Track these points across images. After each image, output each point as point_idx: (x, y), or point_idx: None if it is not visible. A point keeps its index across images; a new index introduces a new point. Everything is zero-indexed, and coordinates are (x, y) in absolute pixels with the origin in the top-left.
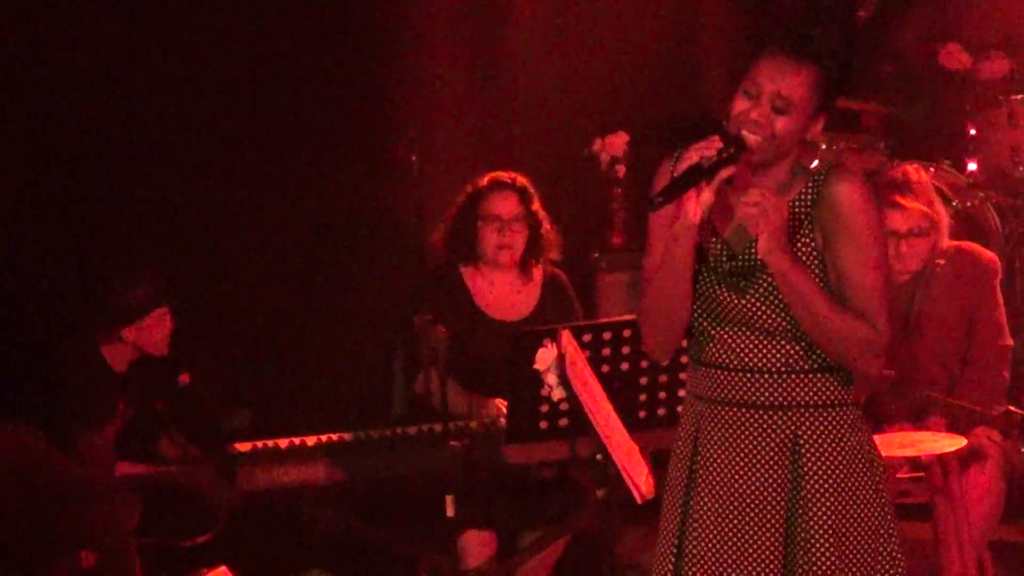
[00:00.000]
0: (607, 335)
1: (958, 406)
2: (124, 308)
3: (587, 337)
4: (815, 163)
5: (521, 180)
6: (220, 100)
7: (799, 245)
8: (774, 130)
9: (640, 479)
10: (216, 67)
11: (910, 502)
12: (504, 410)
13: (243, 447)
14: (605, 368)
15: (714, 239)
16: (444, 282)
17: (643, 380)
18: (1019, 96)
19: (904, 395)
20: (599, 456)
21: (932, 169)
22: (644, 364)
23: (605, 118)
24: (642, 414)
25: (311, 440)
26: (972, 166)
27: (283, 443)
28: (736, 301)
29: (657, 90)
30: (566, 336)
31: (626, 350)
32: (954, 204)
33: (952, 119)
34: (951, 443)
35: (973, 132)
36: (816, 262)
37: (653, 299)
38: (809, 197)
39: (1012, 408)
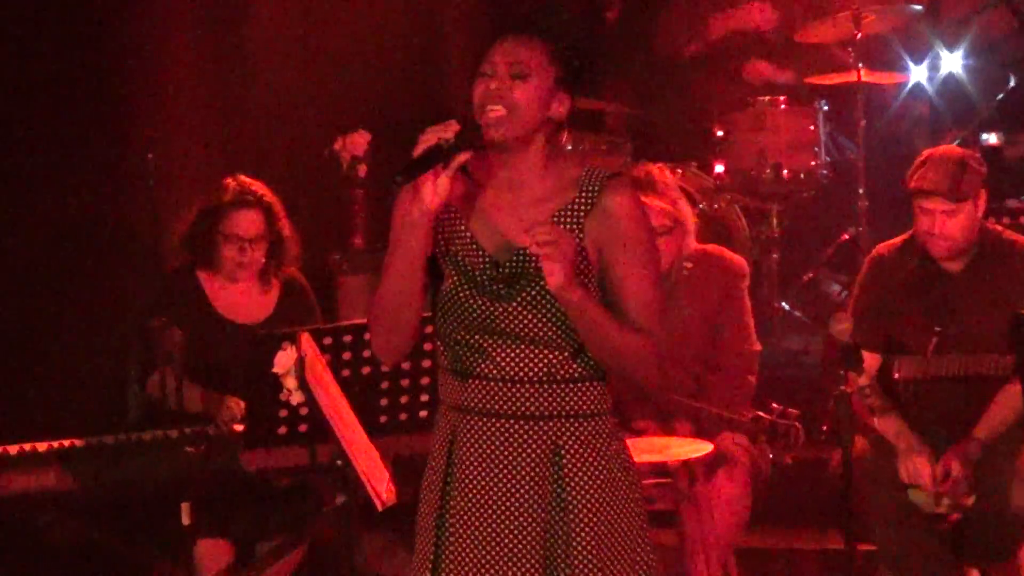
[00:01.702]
0: (347, 338)
1: (705, 411)
2: None
3: (327, 340)
4: (585, 170)
5: (267, 197)
6: None
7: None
8: (514, 98)
9: (381, 486)
10: None
11: (656, 509)
12: (240, 409)
13: None
14: (345, 372)
15: (474, 247)
16: (181, 285)
17: (384, 384)
18: (766, 98)
19: (650, 400)
20: (339, 462)
21: (679, 171)
22: (385, 368)
23: (346, 116)
24: (383, 419)
25: (42, 446)
26: (719, 168)
27: (12, 450)
28: (498, 310)
29: (400, 88)
30: (305, 339)
31: (367, 354)
32: (701, 206)
33: (699, 120)
34: (697, 448)
35: (720, 134)
36: (591, 274)
37: (383, 293)
38: (582, 207)
39: (760, 413)
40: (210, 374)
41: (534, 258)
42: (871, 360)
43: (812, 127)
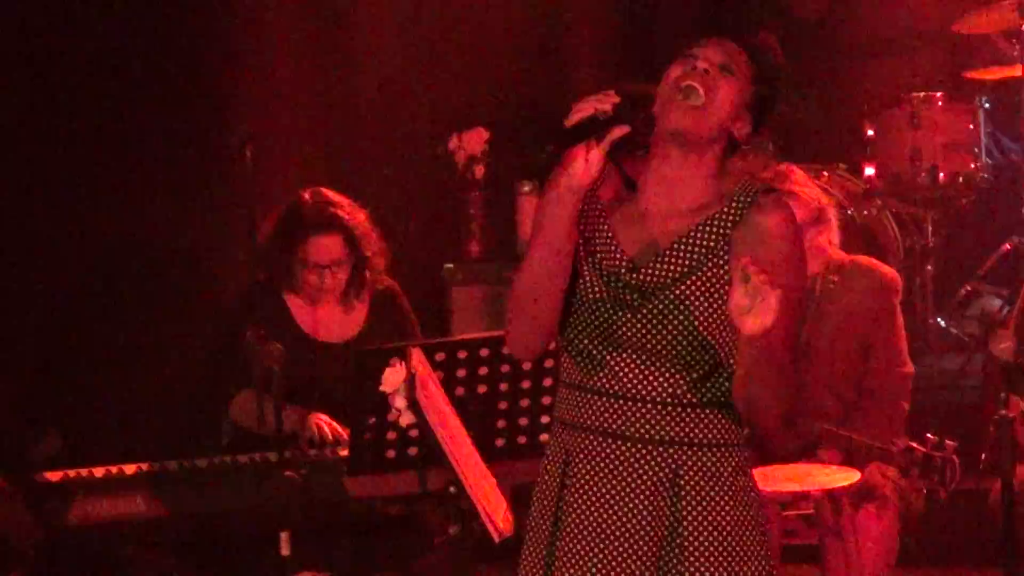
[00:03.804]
0: (462, 354)
1: (853, 440)
2: None
3: (440, 356)
4: (739, 183)
5: (348, 217)
6: (29, 92)
7: (710, 269)
8: (717, 86)
9: (498, 515)
10: (28, 56)
11: (797, 543)
12: (325, 425)
13: (53, 476)
14: (460, 391)
15: (613, 246)
16: (265, 299)
17: (502, 405)
18: (921, 94)
19: (792, 428)
20: (452, 489)
21: (825, 174)
22: (504, 387)
23: (462, 112)
24: (500, 442)
25: (130, 469)
26: (869, 171)
27: (98, 472)
28: (624, 318)
29: (520, 81)
30: (417, 355)
31: (483, 371)
32: (849, 212)
33: (847, 118)
34: (843, 477)
35: (871, 133)
36: (725, 291)
37: (522, 278)
38: (730, 219)
39: (913, 444)
40: (298, 396)
41: (673, 267)
42: None
43: (972, 126)
